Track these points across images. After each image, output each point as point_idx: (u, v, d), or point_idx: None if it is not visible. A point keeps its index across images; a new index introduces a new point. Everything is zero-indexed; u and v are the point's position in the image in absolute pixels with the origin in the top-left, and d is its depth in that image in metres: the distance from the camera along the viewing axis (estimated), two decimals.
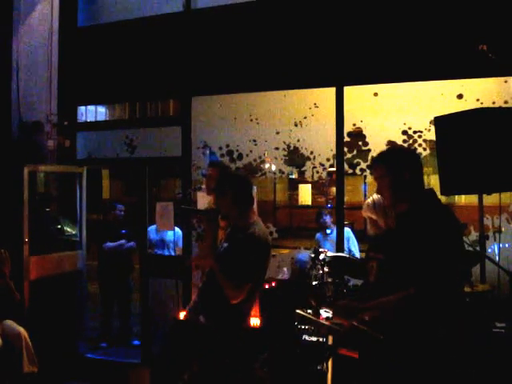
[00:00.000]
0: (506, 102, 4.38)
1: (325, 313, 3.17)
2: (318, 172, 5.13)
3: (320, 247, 5.11)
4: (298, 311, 3.30)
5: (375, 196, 3.15)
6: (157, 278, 5.61)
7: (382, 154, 2.65)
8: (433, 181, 4.95)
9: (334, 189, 6.60)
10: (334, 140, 4.95)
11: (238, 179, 3.43)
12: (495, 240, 4.37)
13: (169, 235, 6.21)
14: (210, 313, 3.28)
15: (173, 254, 6.13)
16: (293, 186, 9.11)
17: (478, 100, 4.46)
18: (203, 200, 5.07)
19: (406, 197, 2.52)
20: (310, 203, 7.90)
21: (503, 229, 4.33)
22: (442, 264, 2.24)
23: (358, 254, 5.37)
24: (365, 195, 7.43)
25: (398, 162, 2.56)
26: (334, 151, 4.99)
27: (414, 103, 4.79)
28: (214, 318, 3.26)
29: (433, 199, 2.52)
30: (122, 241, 6.20)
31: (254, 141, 5.33)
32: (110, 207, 6.48)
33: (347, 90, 4.90)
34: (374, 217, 3.16)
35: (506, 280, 3.59)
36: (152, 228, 6.10)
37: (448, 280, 2.25)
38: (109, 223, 6.49)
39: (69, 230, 5.92)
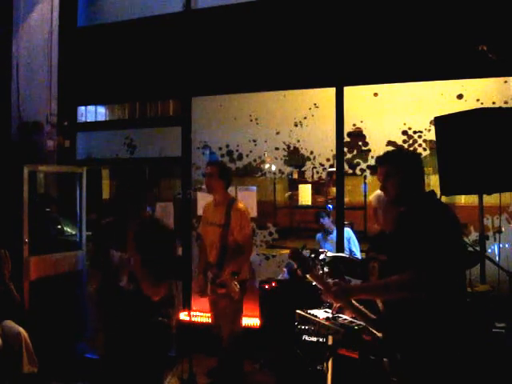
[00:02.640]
0: (505, 102, 4.38)
1: (325, 313, 3.17)
2: (318, 172, 5.14)
3: (320, 248, 5.12)
4: (297, 311, 3.30)
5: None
6: None
7: (388, 154, 2.72)
8: (433, 181, 4.96)
9: (334, 189, 6.60)
10: (334, 140, 4.95)
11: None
12: (495, 240, 4.37)
13: None
14: None
15: None
16: (293, 186, 9.09)
17: (478, 100, 4.47)
18: (203, 200, 5.08)
19: (408, 197, 2.57)
20: (310, 203, 7.89)
21: (503, 229, 4.33)
22: (439, 249, 2.27)
23: (359, 255, 5.37)
24: (365, 195, 7.41)
25: (403, 163, 2.62)
26: (334, 151, 4.99)
27: (414, 103, 4.79)
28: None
29: (432, 200, 2.56)
30: None
31: (254, 141, 5.33)
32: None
33: (347, 90, 4.90)
34: (377, 206, 3.25)
35: (506, 280, 3.59)
36: None
37: (444, 267, 2.26)
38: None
39: (69, 230, 5.91)
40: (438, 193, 3.86)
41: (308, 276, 2.58)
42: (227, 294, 4.07)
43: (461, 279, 2.44)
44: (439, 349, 2.29)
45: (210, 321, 4.64)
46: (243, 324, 4.61)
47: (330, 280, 2.46)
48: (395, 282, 2.33)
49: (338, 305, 2.80)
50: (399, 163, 2.61)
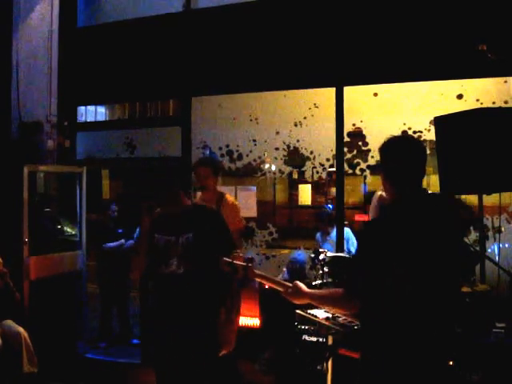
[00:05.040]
0: (506, 102, 4.38)
1: (325, 313, 3.17)
2: (318, 172, 5.14)
3: (320, 247, 5.12)
4: (298, 311, 3.30)
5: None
6: None
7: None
8: (433, 181, 4.96)
9: (334, 189, 6.60)
10: (334, 140, 4.95)
11: None
12: (495, 240, 4.37)
13: None
14: None
15: None
16: (293, 186, 9.10)
17: (477, 100, 4.46)
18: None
19: (388, 197, 2.25)
20: (309, 203, 7.89)
21: (503, 229, 4.33)
22: (360, 272, 2.08)
23: None
24: (365, 195, 7.42)
25: (383, 153, 2.23)
26: (334, 151, 4.99)
27: (414, 103, 4.79)
28: None
29: (397, 208, 2.15)
30: (122, 240, 6.18)
31: (254, 141, 5.33)
32: (105, 207, 6.42)
33: (347, 90, 4.90)
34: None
35: (506, 280, 3.59)
36: None
37: (362, 290, 2.05)
38: (103, 223, 6.39)
39: (69, 230, 5.92)
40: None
41: (258, 280, 2.59)
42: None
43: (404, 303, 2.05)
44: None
45: None
46: (244, 324, 4.60)
47: (297, 282, 2.45)
48: (330, 295, 2.30)
49: None
50: (381, 153, 2.24)
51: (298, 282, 2.42)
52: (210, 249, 2.96)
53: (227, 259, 2.65)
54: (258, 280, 2.62)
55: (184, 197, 3.10)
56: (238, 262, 2.63)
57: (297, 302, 2.44)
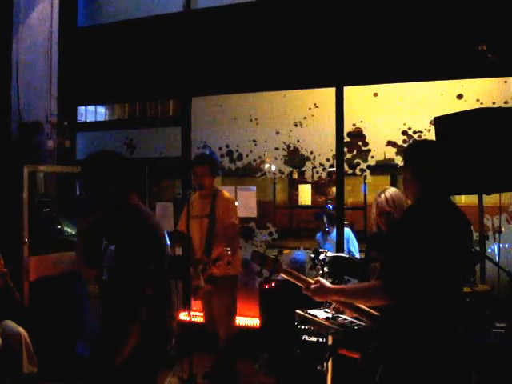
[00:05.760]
0: (506, 102, 4.39)
1: (325, 313, 3.17)
2: (318, 172, 5.14)
3: (320, 248, 5.12)
4: (297, 311, 3.30)
5: (392, 190, 3.24)
6: None
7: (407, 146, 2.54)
8: None
9: (334, 189, 6.60)
10: (334, 140, 4.95)
11: None
12: (495, 240, 4.37)
13: None
14: None
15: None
16: (293, 185, 9.09)
17: (477, 100, 4.47)
18: None
19: (410, 196, 2.39)
20: (309, 203, 7.88)
21: (503, 229, 4.33)
22: (407, 263, 2.11)
23: (357, 255, 5.37)
24: (365, 195, 7.40)
25: (405, 157, 2.48)
26: (334, 151, 4.99)
27: (414, 103, 4.80)
28: None
29: (427, 203, 2.27)
30: None
31: (254, 141, 5.33)
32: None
33: (347, 90, 4.91)
34: (388, 209, 3.17)
35: (506, 280, 3.59)
36: None
37: (412, 281, 2.09)
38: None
39: (69, 230, 5.91)
40: None
41: (282, 275, 2.58)
42: (225, 266, 3.92)
43: (446, 288, 2.18)
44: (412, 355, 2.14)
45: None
46: (244, 324, 4.60)
47: (319, 278, 2.44)
48: (365, 289, 2.31)
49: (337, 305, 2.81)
50: (405, 157, 2.46)
51: (321, 279, 2.42)
52: (124, 265, 2.71)
53: (259, 251, 2.66)
54: (282, 275, 2.61)
55: (133, 197, 2.90)
56: (269, 256, 2.65)
57: (318, 299, 2.43)
